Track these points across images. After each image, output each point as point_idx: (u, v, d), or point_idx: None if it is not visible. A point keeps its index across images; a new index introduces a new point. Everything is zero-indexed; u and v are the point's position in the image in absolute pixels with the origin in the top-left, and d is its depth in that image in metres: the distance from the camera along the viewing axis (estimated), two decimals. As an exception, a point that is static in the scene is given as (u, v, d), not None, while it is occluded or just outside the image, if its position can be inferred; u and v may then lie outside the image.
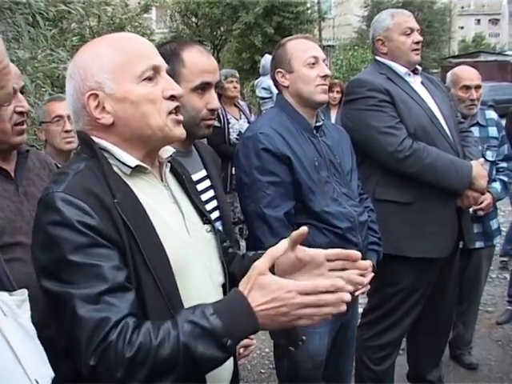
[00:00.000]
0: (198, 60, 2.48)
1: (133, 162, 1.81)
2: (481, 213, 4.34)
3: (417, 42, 3.88)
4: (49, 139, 3.83)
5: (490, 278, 7.07)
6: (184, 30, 22.77)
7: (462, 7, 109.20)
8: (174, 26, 23.17)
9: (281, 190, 2.99)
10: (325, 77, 3.13)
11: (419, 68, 4.02)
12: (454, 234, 3.90)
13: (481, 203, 4.27)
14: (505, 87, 30.23)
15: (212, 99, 2.53)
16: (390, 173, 3.76)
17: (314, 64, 3.13)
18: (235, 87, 7.30)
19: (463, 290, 4.97)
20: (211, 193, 2.64)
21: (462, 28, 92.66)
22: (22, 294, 1.42)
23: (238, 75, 7.50)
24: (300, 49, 3.16)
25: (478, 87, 4.66)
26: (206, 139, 2.93)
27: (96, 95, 1.80)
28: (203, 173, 2.65)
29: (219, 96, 7.13)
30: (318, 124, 3.23)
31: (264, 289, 1.61)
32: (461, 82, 4.48)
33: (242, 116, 7.34)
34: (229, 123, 7.07)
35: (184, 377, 1.59)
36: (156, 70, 1.83)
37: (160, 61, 1.87)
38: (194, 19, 22.66)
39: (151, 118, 1.81)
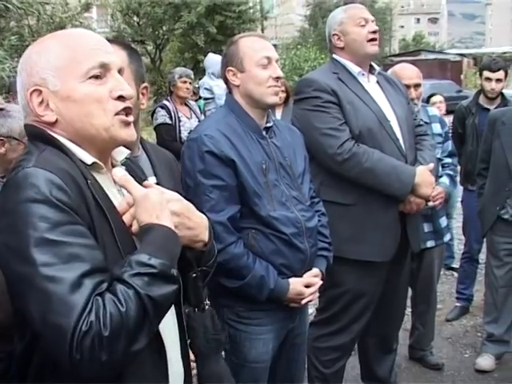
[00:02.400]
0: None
1: (89, 159, 1.76)
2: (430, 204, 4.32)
3: (373, 32, 3.82)
4: None
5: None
6: (126, 30, 22.49)
7: (402, 6, 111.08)
8: (115, 26, 22.86)
9: (225, 193, 2.92)
10: (277, 78, 3.05)
11: (377, 68, 3.97)
12: (397, 238, 3.83)
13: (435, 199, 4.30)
14: (445, 85, 30.77)
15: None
16: (333, 174, 3.72)
17: (266, 65, 3.04)
18: (188, 88, 7.24)
19: (418, 291, 4.97)
20: None
21: (402, 27, 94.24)
22: None
23: (192, 76, 7.46)
24: (253, 48, 3.06)
25: (417, 86, 4.64)
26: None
27: (40, 91, 1.74)
28: (152, 180, 2.49)
29: (170, 94, 7.08)
30: (268, 125, 3.14)
31: (159, 208, 1.72)
32: (400, 81, 4.42)
33: (193, 115, 7.30)
34: (180, 121, 7.02)
35: (152, 322, 1.61)
36: (105, 67, 1.77)
37: (110, 59, 1.80)
38: (135, 18, 22.40)
39: (95, 118, 1.76)
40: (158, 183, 2.48)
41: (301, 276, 3.09)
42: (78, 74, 1.75)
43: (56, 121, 1.75)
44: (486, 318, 5.11)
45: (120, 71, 1.83)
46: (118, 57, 1.95)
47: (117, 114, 1.77)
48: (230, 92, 3.19)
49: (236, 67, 3.05)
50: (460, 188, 6.47)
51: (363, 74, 3.86)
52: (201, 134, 2.95)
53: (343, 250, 3.68)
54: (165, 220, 1.71)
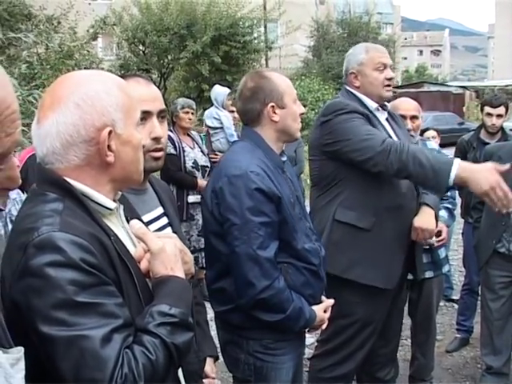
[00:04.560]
0: (135, 90, 2.43)
1: (111, 204, 1.84)
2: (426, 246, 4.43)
3: (389, 79, 3.91)
4: None
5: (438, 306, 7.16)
6: (131, 58, 22.62)
7: (406, 38, 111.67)
8: (121, 54, 23.03)
9: (270, 230, 2.97)
10: (302, 114, 3.20)
11: (387, 104, 4.07)
12: (401, 267, 3.93)
13: (438, 234, 4.38)
14: (448, 117, 30.92)
15: (154, 127, 2.42)
16: (354, 197, 3.79)
17: (296, 102, 3.18)
18: (190, 118, 7.32)
19: (417, 321, 5.02)
20: (169, 230, 2.59)
21: (405, 59, 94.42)
22: (18, 352, 1.38)
23: (194, 107, 7.50)
24: (288, 85, 3.18)
25: (414, 117, 4.73)
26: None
27: (110, 132, 1.78)
28: (160, 210, 2.60)
29: (173, 124, 7.15)
30: (283, 159, 3.23)
31: (174, 260, 1.84)
32: (397, 112, 4.51)
33: (196, 145, 7.39)
34: (184, 151, 7.11)
35: (176, 366, 1.81)
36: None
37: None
38: (141, 47, 22.51)
39: (141, 163, 1.90)
40: (165, 213, 2.60)
41: (318, 302, 3.21)
42: (135, 121, 1.87)
43: (112, 163, 1.80)
44: (483, 351, 5.13)
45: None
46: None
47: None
48: (248, 125, 3.22)
49: (277, 103, 3.10)
50: (460, 220, 6.55)
51: (378, 110, 3.96)
52: (246, 171, 2.96)
53: (350, 272, 3.78)
54: (178, 271, 1.83)
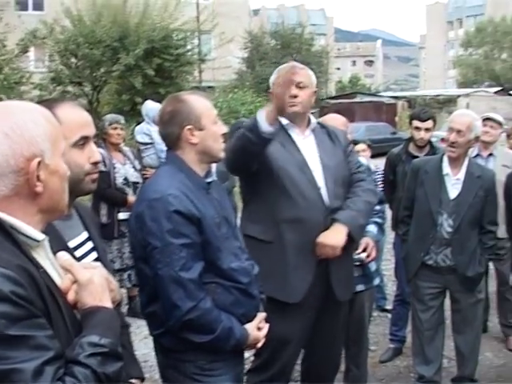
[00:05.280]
0: (73, 115, 2.42)
1: (39, 235, 1.81)
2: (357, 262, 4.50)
3: (294, 96, 3.90)
4: None
5: (371, 317, 7.21)
6: (63, 71, 22.33)
7: (339, 49, 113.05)
8: (52, 66, 22.72)
9: (192, 251, 2.96)
10: (225, 134, 3.19)
11: (314, 121, 4.12)
12: (307, 281, 3.90)
13: (364, 249, 4.41)
14: (380, 127, 31.41)
15: (93, 152, 2.46)
16: (258, 210, 3.90)
17: (217, 122, 3.17)
18: (119, 134, 7.17)
19: (350, 334, 5.04)
20: (94, 255, 2.58)
21: (338, 69, 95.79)
22: None
23: (123, 121, 7.36)
24: (206, 105, 3.16)
25: None
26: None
27: (39, 162, 1.75)
28: (85, 235, 2.58)
29: (103, 141, 7.04)
30: (209, 180, 3.21)
31: (101, 291, 1.84)
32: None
33: (127, 161, 7.28)
34: (114, 168, 7.01)
35: None
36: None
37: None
38: (73, 60, 22.23)
39: (67, 194, 1.89)
40: (90, 237, 2.57)
41: (251, 321, 3.19)
42: (61, 151, 1.86)
43: (40, 193, 1.79)
44: (415, 360, 5.23)
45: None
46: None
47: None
48: (170, 149, 3.21)
49: (194, 125, 3.09)
50: (391, 231, 6.64)
51: (291, 126, 4.01)
52: (164, 194, 2.96)
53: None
54: (106, 301, 1.84)
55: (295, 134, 4.01)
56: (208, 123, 3.11)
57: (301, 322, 3.98)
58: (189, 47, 23.89)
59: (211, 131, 3.12)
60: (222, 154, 3.22)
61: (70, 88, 22.76)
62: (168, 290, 2.93)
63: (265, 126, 3.47)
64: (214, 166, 4.21)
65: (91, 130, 2.48)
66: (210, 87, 31.46)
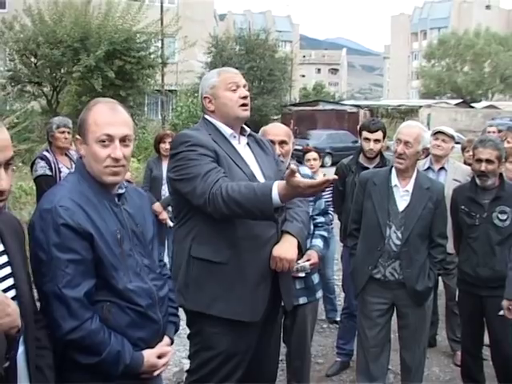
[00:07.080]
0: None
1: None
2: (302, 274, 4.49)
3: (244, 97, 3.84)
4: None
5: (321, 328, 7.20)
6: (22, 70, 22.06)
7: (304, 56, 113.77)
8: (11, 65, 22.41)
9: (81, 267, 2.77)
10: (116, 160, 2.92)
11: (247, 129, 4.00)
12: (266, 298, 3.81)
13: (308, 260, 4.36)
14: (342, 135, 31.66)
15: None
16: (207, 231, 3.70)
17: (107, 143, 2.91)
18: (66, 138, 6.98)
19: (292, 347, 4.96)
20: (7, 270, 2.45)
21: (303, 76, 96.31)
22: None
23: (70, 125, 7.19)
24: (100, 123, 2.92)
25: (283, 142, 4.63)
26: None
27: None
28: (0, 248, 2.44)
29: (50, 144, 6.90)
30: (120, 191, 3.05)
31: None
32: (266, 137, 4.45)
33: (74, 165, 7.09)
34: (60, 172, 6.83)
35: None
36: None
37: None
38: (33, 59, 22.02)
39: None
40: (5, 251, 2.44)
41: (154, 346, 3.02)
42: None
43: None
44: (359, 377, 5.13)
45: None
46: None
47: None
48: (80, 158, 3.06)
49: (82, 138, 2.96)
50: (339, 243, 6.59)
51: (235, 137, 3.88)
52: (56, 205, 2.78)
53: (212, 307, 3.68)
54: None
55: (236, 142, 3.91)
56: (91, 140, 2.91)
57: (250, 337, 3.88)
58: (151, 50, 23.73)
59: (92, 150, 2.91)
60: (106, 178, 2.94)
61: (28, 88, 22.51)
62: (51, 306, 2.74)
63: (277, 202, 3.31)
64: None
65: (4, 156, 2.36)
66: (171, 91, 31.34)
